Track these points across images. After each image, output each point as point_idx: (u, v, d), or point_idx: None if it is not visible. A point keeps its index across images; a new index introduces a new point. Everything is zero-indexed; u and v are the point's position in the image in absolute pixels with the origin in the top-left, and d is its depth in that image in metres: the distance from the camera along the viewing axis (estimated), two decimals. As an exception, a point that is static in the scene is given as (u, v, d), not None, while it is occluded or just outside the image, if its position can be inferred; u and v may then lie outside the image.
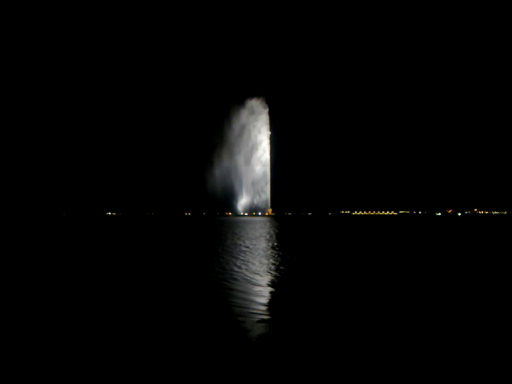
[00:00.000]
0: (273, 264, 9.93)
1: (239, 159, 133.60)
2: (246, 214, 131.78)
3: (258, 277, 8.07)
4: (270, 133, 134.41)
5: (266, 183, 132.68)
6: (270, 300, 6.05)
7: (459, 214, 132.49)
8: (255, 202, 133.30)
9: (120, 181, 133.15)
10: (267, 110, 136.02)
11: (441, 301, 5.86)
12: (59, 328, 4.63)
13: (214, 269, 9.10)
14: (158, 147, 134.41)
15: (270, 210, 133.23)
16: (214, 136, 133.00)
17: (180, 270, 9.00)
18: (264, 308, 5.56)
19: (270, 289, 6.88)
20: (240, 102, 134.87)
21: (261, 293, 6.55)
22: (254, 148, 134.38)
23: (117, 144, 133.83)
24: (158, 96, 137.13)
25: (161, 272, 8.66)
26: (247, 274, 8.45)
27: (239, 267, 9.36)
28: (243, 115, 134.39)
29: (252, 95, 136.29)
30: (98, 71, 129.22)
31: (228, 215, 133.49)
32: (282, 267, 9.37)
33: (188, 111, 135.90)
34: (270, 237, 21.12)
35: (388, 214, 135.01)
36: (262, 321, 4.93)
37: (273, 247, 14.66)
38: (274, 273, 8.59)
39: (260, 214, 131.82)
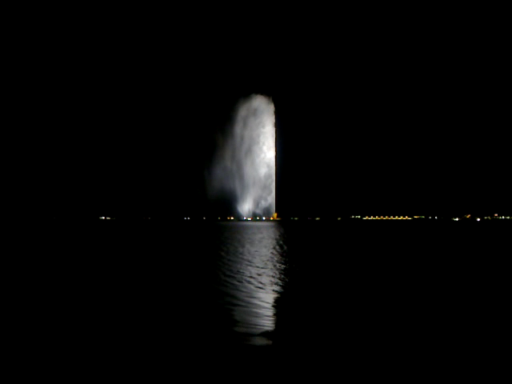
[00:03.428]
0: (265, 273, 9.84)
1: (242, 160, 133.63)
2: (249, 218, 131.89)
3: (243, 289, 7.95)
4: (275, 132, 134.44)
5: (271, 186, 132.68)
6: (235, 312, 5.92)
7: (478, 220, 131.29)
8: (259, 205, 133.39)
9: (114, 183, 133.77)
10: (273, 107, 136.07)
11: (448, 312, 5.82)
12: (56, 339, 4.76)
13: (200, 276, 9.05)
14: (154, 147, 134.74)
15: (275, 215, 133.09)
16: (214, 135, 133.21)
17: (159, 278, 9.00)
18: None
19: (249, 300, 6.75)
20: (243, 99, 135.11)
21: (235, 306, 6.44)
22: (257, 148, 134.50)
23: (110, 145, 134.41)
24: (154, 93, 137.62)
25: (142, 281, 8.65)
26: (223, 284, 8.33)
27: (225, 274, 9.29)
28: (246, 113, 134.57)
29: (256, 92, 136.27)
30: (92, 73, 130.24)
31: (230, 220, 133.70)
32: (278, 276, 9.28)
33: (186, 108, 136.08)
34: (270, 243, 21.00)
35: (401, 219, 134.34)
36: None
37: (272, 254, 14.48)
38: (263, 282, 8.46)
39: (264, 218, 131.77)
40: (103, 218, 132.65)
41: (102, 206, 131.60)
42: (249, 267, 11.05)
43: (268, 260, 12.78)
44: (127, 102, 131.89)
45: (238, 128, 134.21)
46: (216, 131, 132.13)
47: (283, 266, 11.25)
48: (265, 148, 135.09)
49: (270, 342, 4.62)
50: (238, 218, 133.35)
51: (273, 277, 9.33)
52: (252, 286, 8.11)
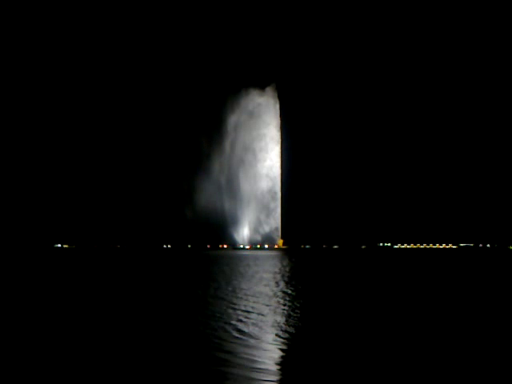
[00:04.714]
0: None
1: (237, 173, 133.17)
2: (246, 246, 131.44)
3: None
4: (280, 135, 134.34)
5: (273, 204, 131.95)
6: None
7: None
8: (260, 230, 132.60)
9: (73, 202, 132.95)
10: (277, 104, 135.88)
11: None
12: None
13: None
14: (123, 159, 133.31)
15: (281, 242, 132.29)
16: (201, 141, 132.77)
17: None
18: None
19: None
20: (238, 94, 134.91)
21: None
22: (257, 157, 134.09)
23: (68, 155, 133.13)
24: (124, 92, 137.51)
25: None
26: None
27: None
28: (242, 112, 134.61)
29: (255, 85, 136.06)
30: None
31: (222, 248, 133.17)
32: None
33: (161, 110, 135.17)
34: (266, 279, 21.13)
35: (444, 248, 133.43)
36: None
37: (263, 294, 14.99)
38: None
39: (267, 246, 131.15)
40: (59, 245, 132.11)
41: (57, 231, 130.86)
42: (231, 310, 11.73)
43: (255, 301, 13.43)
44: (89, 102, 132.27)
45: (227, 131, 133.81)
46: (201, 136, 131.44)
47: (274, 309, 11.89)
48: (263, 156, 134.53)
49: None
50: (233, 245, 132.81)
51: (256, 325, 9.91)
52: (232, 334, 8.82)
